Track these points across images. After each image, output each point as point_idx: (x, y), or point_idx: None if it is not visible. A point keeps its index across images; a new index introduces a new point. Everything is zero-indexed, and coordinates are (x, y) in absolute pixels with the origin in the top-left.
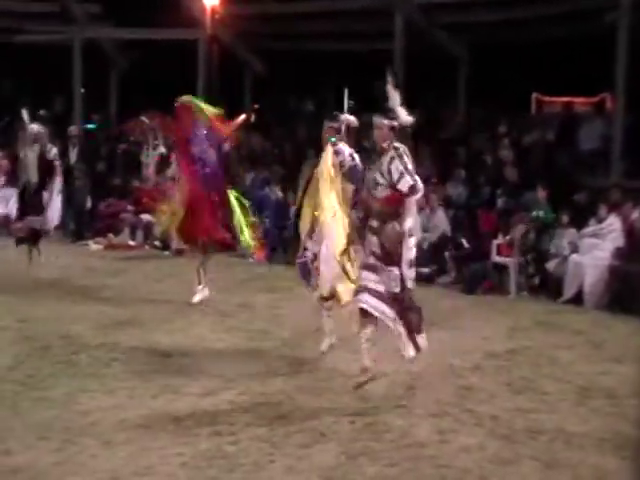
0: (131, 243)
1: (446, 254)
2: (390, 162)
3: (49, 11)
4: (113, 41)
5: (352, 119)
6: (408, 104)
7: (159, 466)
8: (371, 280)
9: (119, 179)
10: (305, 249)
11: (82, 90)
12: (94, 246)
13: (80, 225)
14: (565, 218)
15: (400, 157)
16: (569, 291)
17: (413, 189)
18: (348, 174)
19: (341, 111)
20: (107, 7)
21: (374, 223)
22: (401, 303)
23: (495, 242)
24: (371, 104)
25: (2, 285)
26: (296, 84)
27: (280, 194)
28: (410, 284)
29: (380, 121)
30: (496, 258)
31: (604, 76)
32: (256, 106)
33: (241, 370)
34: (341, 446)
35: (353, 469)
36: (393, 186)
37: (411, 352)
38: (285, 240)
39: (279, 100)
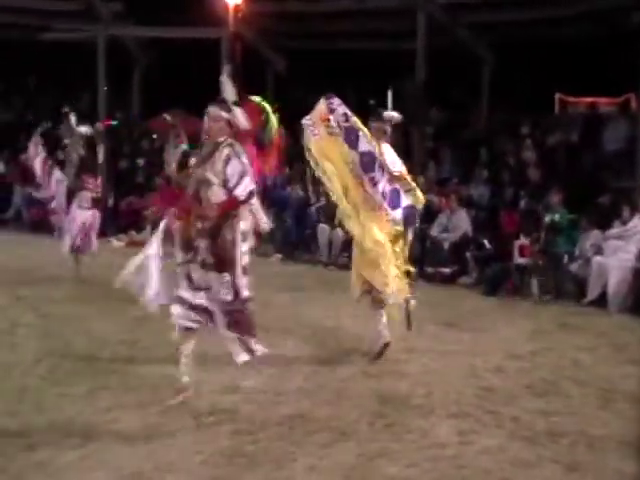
0: None
1: (467, 255)
2: (226, 162)
3: (74, 9)
4: (136, 39)
5: (396, 116)
6: (431, 103)
7: (180, 463)
8: (189, 289)
9: (141, 177)
10: None
11: (105, 88)
12: (116, 243)
13: (102, 222)
14: (589, 220)
15: (238, 157)
16: (592, 293)
17: (252, 195)
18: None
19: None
20: (131, 5)
21: (203, 226)
22: (232, 310)
23: (517, 243)
24: (393, 104)
25: (24, 281)
26: (318, 83)
27: (301, 193)
28: (244, 291)
29: (217, 112)
30: (518, 259)
31: (629, 76)
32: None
33: (262, 367)
34: (361, 446)
35: (373, 469)
36: (229, 189)
37: (244, 357)
38: (306, 239)
39: (301, 98)
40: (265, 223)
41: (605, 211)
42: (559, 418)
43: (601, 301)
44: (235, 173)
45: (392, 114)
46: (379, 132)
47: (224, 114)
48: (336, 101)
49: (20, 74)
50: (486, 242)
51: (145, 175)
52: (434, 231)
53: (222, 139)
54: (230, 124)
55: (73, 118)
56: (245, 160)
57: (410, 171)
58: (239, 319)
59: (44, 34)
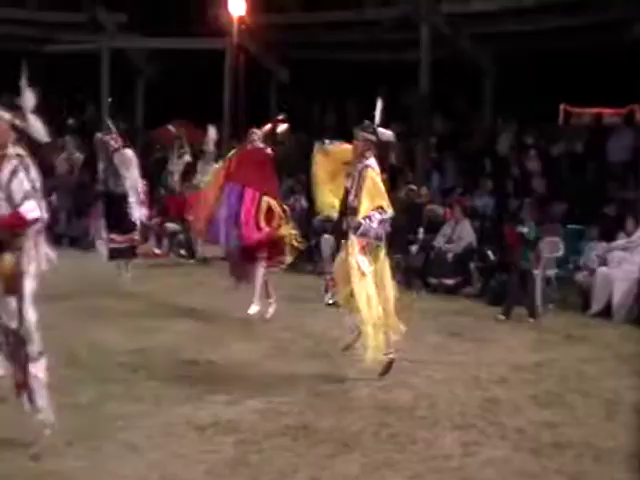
0: (157, 251)
1: (471, 265)
2: (12, 175)
3: (78, 21)
4: (140, 50)
5: (389, 134)
6: (434, 114)
7: (184, 473)
8: None
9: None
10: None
11: (110, 99)
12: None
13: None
14: (594, 231)
15: (27, 171)
16: (597, 304)
17: (37, 220)
18: None
19: (369, 121)
20: (134, 17)
21: None
22: (16, 339)
23: None
24: (397, 114)
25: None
26: (321, 93)
27: (305, 203)
28: (31, 317)
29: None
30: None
31: (633, 87)
32: (281, 117)
33: (265, 379)
34: (365, 457)
35: (376, 479)
36: (14, 206)
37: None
38: (309, 250)
39: (304, 109)
40: (50, 260)
41: (610, 222)
42: (564, 429)
43: (606, 312)
44: (20, 190)
45: (385, 132)
46: (366, 145)
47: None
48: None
49: (28, 85)
50: (490, 253)
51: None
52: (438, 242)
53: (10, 148)
54: (16, 129)
55: (112, 125)
56: (34, 174)
57: (414, 181)
58: (20, 350)
59: (49, 46)
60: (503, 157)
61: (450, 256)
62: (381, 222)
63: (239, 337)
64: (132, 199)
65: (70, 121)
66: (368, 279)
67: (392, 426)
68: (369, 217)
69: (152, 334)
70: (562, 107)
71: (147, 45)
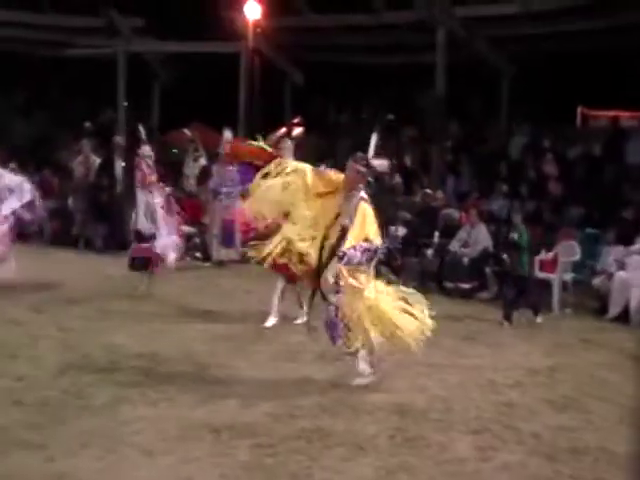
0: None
1: (487, 269)
2: None
3: (95, 26)
4: (156, 54)
5: (383, 165)
6: (450, 117)
7: (198, 477)
8: None
9: None
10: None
11: (125, 103)
12: None
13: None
14: (611, 234)
15: None
16: (615, 309)
17: None
18: None
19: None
20: (151, 21)
21: None
22: None
23: (538, 258)
24: (412, 118)
25: (45, 295)
26: (336, 97)
27: None
28: None
29: None
30: (539, 274)
31: None
32: (297, 120)
33: (279, 382)
34: (380, 460)
35: None
36: None
37: None
38: None
39: (319, 113)
40: None
41: (628, 226)
42: (580, 434)
43: (623, 317)
44: None
45: (380, 163)
46: (358, 178)
47: None
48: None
49: (44, 89)
50: (506, 257)
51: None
52: (453, 246)
53: None
54: None
55: (143, 132)
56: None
57: (429, 185)
58: None
59: (67, 50)
60: (518, 160)
61: (466, 260)
62: (365, 251)
63: (253, 340)
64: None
65: (87, 124)
66: (366, 293)
67: (407, 430)
68: (354, 247)
69: (166, 337)
70: (579, 110)
71: (163, 49)
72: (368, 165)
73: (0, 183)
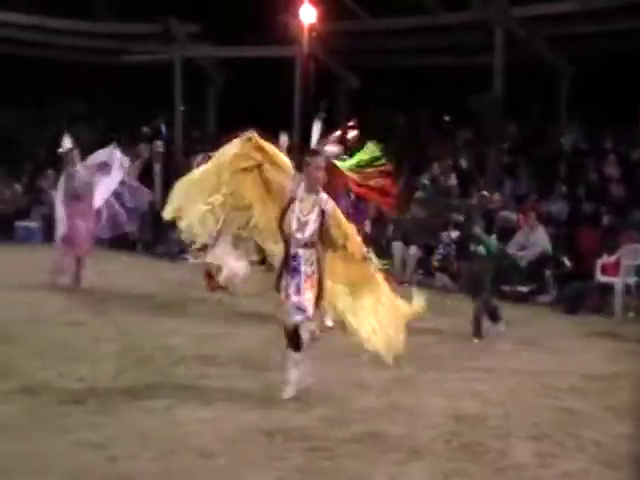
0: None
1: (546, 272)
2: None
3: (152, 32)
4: (212, 59)
5: (334, 150)
6: (508, 119)
7: (255, 479)
8: None
9: None
10: None
11: (182, 108)
12: (193, 260)
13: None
14: None
15: None
16: None
17: None
18: None
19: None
20: (206, 27)
21: None
22: None
23: (600, 261)
24: (468, 119)
25: (105, 298)
26: (391, 100)
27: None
28: None
29: None
30: (601, 278)
31: None
32: (352, 123)
33: (334, 385)
34: (436, 465)
35: None
36: None
37: None
38: (379, 255)
39: (374, 116)
40: None
41: None
42: None
43: None
44: None
45: (330, 149)
46: (322, 174)
47: None
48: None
49: (103, 96)
50: (566, 260)
51: None
52: (511, 249)
53: None
54: None
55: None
56: None
57: (486, 187)
58: None
59: (124, 57)
60: (579, 161)
61: (524, 263)
62: None
63: (308, 344)
64: None
65: (144, 129)
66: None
67: (463, 435)
68: None
69: (223, 339)
70: None
71: (218, 54)
72: (322, 155)
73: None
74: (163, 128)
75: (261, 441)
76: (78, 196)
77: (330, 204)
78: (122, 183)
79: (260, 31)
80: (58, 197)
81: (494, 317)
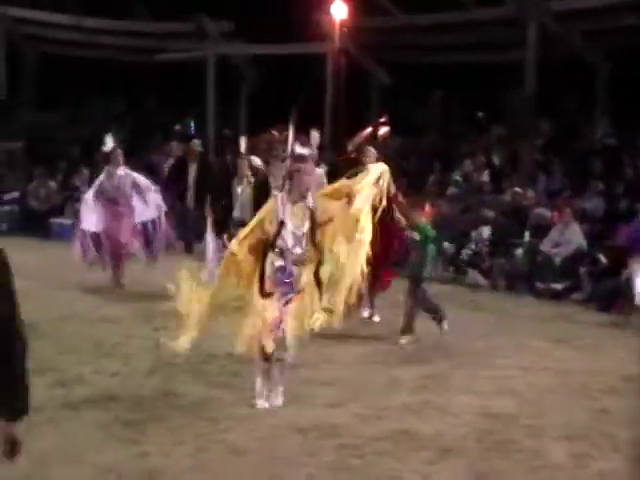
0: None
1: (581, 270)
2: None
3: (185, 31)
4: (244, 57)
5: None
6: (542, 115)
7: (287, 476)
8: None
9: None
10: None
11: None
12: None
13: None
14: None
15: None
16: None
17: None
18: None
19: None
20: (239, 24)
21: None
22: None
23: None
24: (501, 116)
25: (136, 295)
26: (423, 96)
27: None
28: None
29: None
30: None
31: None
32: (384, 119)
33: (366, 383)
34: (469, 464)
35: None
36: None
37: None
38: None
39: (405, 113)
40: None
41: None
42: None
43: None
44: None
45: (302, 150)
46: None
47: None
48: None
49: (137, 94)
50: (601, 257)
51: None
52: (545, 246)
53: None
54: None
55: (244, 143)
56: None
57: (519, 184)
58: None
59: (158, 55)
60: (614, 157)
61: (558, 260)
62: None
63: (340, 341)
64: None
65: (176, 127)
66: None
67: (496, 433)
68: None
69: None
70: None
71: (251, 51)
72: (306, 159)
73: (127, 181)
74: (192, 126)
75: (293, 438)
76: (115, 197)
77: (317, 202)
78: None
79: (292, 28)
80: (91, 194)
81: (435, 315)
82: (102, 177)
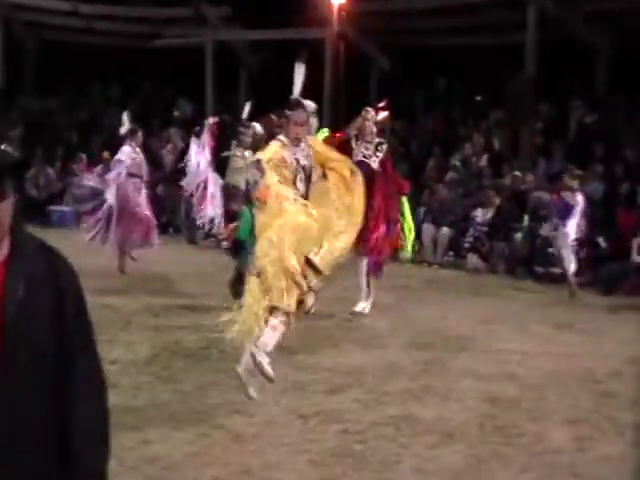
0: None
1: (581, 254)
2: None
3: (183, 16)
4: (243, 42)
5: (313, 105)
6: (541, 98)
7: (287, 462)
8: None
9: None
10: None
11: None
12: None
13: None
14: None
15: None
16: None
17: None
18: None
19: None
20: (237, 9)
21: None
22: None
23: (636, 242)
24: (500, 99)
25: (137, 282)
26: (424, 80)
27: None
28: None
29: None
30: (637, 258)
31: None
32: (383, 104)
33: (366, 368)
34: (470, 449)
35: (484, 473)
36: None
37: None
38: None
39: (405, 97)
40: None
41: None
42: None
43: None
44: None
45: (309, 103)
46: (302, 123)
47: None
48: None
49: (136, 80)
50: (601, 240)
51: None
52: (544, 230)
53: None
54: None
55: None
56: None
57: (519, 168)
58: None
59: (156, 41)
60: (615, 140)
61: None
62: None
63: (341, 326)
64: None
65: (175, 113)
66: None
67: (498, 418)
68: None
69: None
70: None
71: (249, 37)
72: (302, 106)
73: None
74: (188, 107)
75: (294, 424)
76: (137, 173)
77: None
78: None
79: (291, 13)
80: (122, 168)
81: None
82: (127, 152)
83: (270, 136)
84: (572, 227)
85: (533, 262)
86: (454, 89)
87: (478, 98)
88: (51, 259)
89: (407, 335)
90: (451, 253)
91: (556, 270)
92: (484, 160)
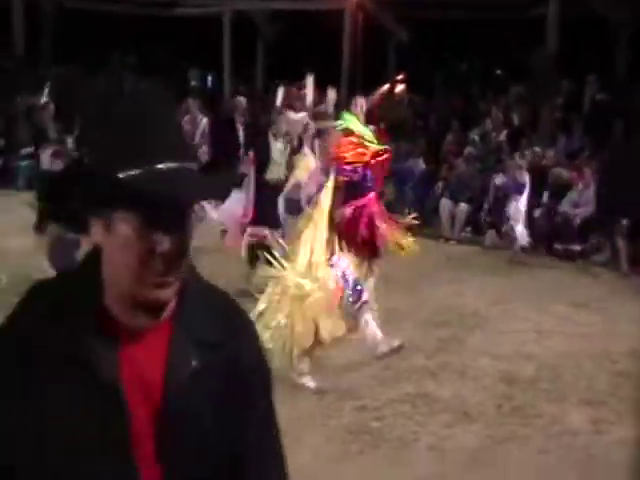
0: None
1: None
2: None
3: None
4: (262, 12)
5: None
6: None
7: (305, 438)
8: None
9: None
10: None
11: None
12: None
13: None
14: None
15: None
16: None
17: None
18: None
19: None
20: None
21: None
22: None
23: None
24: (521, 74)
25: None
26: (442, 54)
27: (423, 166)
28: None
29: None
30: None
31: None
32: (401, 77)
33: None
34: (487, 428)
35: (500, 453)
36: None
37: None
38: (427, 212)
39: (423, 71)
40: None
41: None
42: None
43: None
44: None
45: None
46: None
47: None
48: None
49: (154, 49)
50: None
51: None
52: (564, 206)
53: None
54: None
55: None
56: None
57: (539, 144)
58: None
59: (176, 9)
60: (635, 115)
61: (577, 221)
62: None
63: None
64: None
65: (193, 83)
66: None
67: (515, 398)
68: None
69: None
70: None
71: (268, 7)
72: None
73: None
74: (210, 79)
75: (312, 400)
76: None
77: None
78: None
79: None
80: None
81: None
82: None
83: (288, 107)
84: (523, 203)
85: (552, 239)
86: (473, 64)
87: (498, 72)
88: (227, 311)
89: (423, 312)
90: (469, 229)
91: (575, 247)
92: (503, 135)
